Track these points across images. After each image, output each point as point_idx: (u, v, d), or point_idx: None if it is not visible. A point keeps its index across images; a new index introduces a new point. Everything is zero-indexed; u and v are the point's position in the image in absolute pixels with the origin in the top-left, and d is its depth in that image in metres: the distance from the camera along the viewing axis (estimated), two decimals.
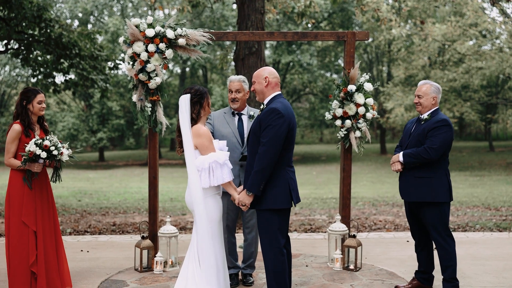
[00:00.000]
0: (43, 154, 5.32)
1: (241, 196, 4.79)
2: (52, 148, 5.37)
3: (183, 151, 4.86)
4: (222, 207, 4.97)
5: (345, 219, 6.84)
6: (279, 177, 4.79)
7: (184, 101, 4.82)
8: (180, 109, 4.83)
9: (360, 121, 6.59)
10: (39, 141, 5.36)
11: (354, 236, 6.56)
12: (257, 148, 4.77)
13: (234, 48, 10.65)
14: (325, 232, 9.35)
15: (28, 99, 5.57)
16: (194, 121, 4.83)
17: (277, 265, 4.86)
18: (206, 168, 4.72)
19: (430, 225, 5.48)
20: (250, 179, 4.71)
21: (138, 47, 6.22)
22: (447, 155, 5.52)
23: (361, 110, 6.55)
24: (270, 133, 4.66)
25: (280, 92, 4.96)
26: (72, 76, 12.60)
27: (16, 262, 5.45)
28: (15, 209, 5.46)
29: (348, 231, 6.73)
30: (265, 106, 4.87)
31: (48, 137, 5.43)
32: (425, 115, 5.58)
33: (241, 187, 4.95)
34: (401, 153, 5.55)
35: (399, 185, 5.69)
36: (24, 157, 5.34)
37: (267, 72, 4.94)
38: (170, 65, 35.73)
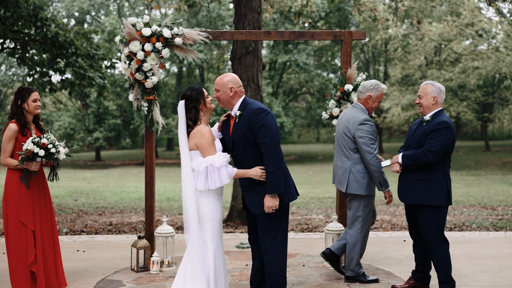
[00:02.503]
0: (41, 152, 5.30)
1: (267, 202, 4.75)
2: (50, 146, 5.36)
3: None
4: None
5: (342, 219, 6.84)
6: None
7: (180, 107, 4.90)
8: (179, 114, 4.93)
9: None
10: (37, 140, 5.35)
11: None
12: (249, 151, 4.81)
13: (231, 47, 10.64)
14: (322, 231, 9.34)
15: (23, 98, 5.55)
16: (189, 126, 4.88)
17: (283, 268, 4.91)
18: (203, 171, 4.75)
19: (425, 227, 5.46)
20: (269, 181, 4.69)
21: (135, 46, 6.20)
22: (448, 158, 5.44)
23: None
24: (267, 132, 4.69)
25: (245, 95, 4.99)
26: (68, 75, 12.56)
27: (15, 261, 5.45)
28: (13, 209, 5.44)
29: (345, 230, 6.72)
30: (241, 112, 4.85)
31: (45, 135, 5.42)
32: (427, 117, 5.52)
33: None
34: (401, 154, 5.52)
35: (398, 186, 5.68)
36: (21, 156, 5.33)
37: (231, 82, 4.91)
38: (167, 65, 35.68)
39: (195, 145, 4.81)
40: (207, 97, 4.96)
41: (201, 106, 4.91)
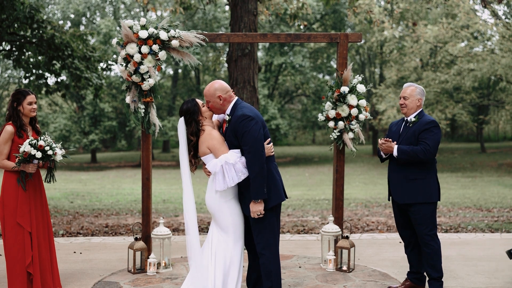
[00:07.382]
0: (38, 154, 5.31)
1: (252, 207, 4.83)
2: (47, 148, 5.37)
3: (195, 168, 5.12)
4: None
5: (338, 220, 6.86)
6: (268, 174, 4.88)
7: (181, 124, 5.03)
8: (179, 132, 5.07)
9: (353, 122, 6.61)
10: (34, 142, 5.36)
11: (347, 237, 6.57)
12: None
13: (227, 49, 10.64)
14: (318, 233, 9.36)
15: (18, 100, 5.56)
16: (191, 141, 4.99)
17: (278, 269, 4.99)
18: (219, 171, 4.82)
19: (419, 224, 5.52)
20: (252, 187, 4.77)
21: (132, 48, 6.21)
22: (435, 155, 5.60)
23: (354, 111, 6.57)
24: (249, 139, 4.76)
25: (236, 97, 5.04)
26: (64, 77, 12.55)
27: (12, 263, 5.45)
28: (10, 210, 5.45)
29: (341, 232, 6.75)
30: (230, 116, 4.93)
31: (42, 137, 5.43)
32: (411, 117, 5.62)
33: None
34: (396, 147, 5.54)
35: (392, 188, 5.71)
36: (18, 158, 5.34)
37: (219, 90, 4.97)
38: (163, 67, 35.66)
39: (207, 148, 4.93)
40: (203, 106, 5.07)
41: (200, 117, 5.01)
